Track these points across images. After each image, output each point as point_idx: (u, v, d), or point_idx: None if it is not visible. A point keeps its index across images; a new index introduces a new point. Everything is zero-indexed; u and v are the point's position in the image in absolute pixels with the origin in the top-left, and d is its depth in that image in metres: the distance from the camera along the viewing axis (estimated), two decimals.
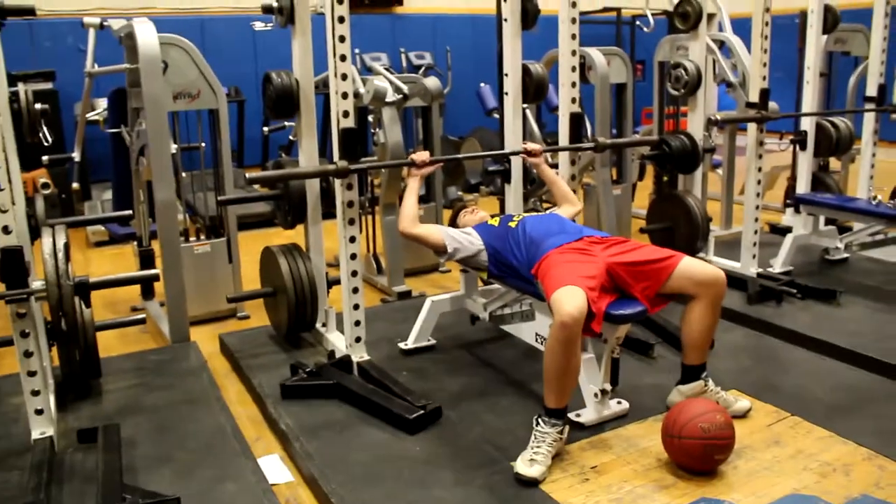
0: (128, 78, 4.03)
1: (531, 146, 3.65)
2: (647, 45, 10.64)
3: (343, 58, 3.06)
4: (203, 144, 4.50)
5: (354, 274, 3.28)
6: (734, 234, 5.44)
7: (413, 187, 3.32)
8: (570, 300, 2.53)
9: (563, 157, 3.88)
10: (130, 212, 3.41)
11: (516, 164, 3.89)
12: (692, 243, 4.59)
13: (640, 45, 10.87)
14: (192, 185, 4.71)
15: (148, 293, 4.58)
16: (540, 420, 2.68)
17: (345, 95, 3.10)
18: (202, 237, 4.46)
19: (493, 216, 3.47)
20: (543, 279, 2.79)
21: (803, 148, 4.96)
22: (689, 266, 2.82)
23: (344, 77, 3.08)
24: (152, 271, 2.89)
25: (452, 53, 8.87)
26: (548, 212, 3.40)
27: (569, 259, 2.81)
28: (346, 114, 3.12)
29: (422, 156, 3.33)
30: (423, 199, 5.24)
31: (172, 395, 3.28)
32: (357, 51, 7.52)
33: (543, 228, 3.06)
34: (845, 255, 4.89)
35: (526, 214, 3.26)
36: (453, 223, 3.64)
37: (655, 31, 5.89)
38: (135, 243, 4.52)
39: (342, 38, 3.04)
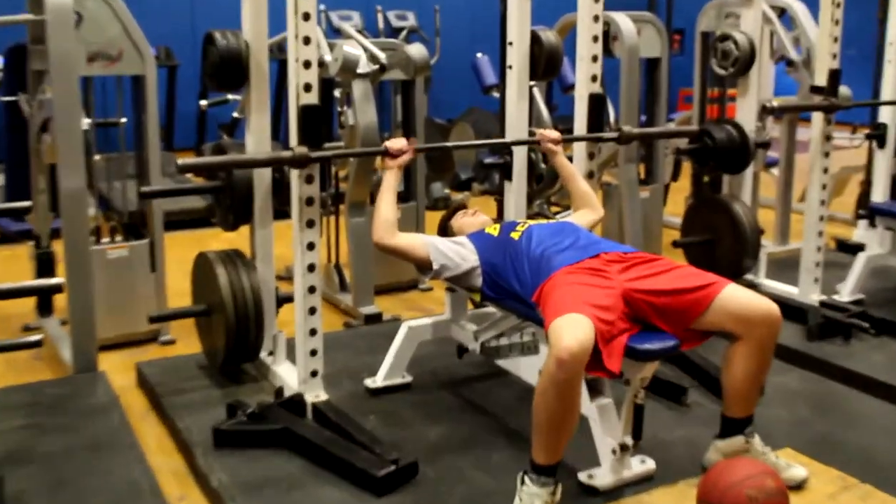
0: (29, 32, 4.02)
1: (547, 133, 3.66)
2: (688, 10, 10.69)
3: (306, 16, 3.06)
4: (124, 120, 4.49)
5: (312, 290, 3.27)
6: (792, 252, 5.48)
7: (390, 183, 3.32)
8: (571, 331, 2.54)
9: (579, 150, 3.90)
10: (27, 203, 3.38)
11: (519, 157, 3.90)
12: (738, 262, 4.61)
13: (679, 11, 10.93)
14: (108, 172, 4.69)
15: (46, 308, 4.55)
16: (526, 477, 2.69)
17: (307, 64, 3.10)
18: (118, 238, 4.44)
19: (493, 223, 3.48)
20: (544, 306, 2.79)
21: (881, 145, 5.01)
22: (732, 297, 2.82)
23: (307, 41, 3.08)
24: (53, 280, 2.89)
25: (442, 14, 8.91)
26: (559, 219, 3.41)
27: (576, 281, 2.82)
28: (307, 87, 3.11)
29: (398, 143, 3.34)
30: (401, 198, 5.25)
31: (73, 440, 3.25)
32: (323, 7, 7.54)
33: (553, 242, 3.06)
34: None
35: (532, 223, 3.26)
36: (444, 227, 3.65)
37: None
38: (31, 243, 4.50)
39: None
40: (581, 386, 2.59)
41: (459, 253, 3.28)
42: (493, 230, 3.33)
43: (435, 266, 3.26)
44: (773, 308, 2.82)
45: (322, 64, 4.34)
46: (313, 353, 3.33)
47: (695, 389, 3.63)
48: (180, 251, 5.65)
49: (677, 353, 2.95)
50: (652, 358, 2.77)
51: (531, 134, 3.84)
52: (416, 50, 4.88)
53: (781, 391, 3.70)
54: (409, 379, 3.71)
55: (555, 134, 3.68)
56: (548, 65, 4.14)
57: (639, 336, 2.76)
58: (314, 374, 3.34)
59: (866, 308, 4.46)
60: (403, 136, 5.21)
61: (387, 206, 3.29)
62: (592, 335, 2.55)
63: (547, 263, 2.96)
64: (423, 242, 3.31)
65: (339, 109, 4.76)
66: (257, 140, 3.62)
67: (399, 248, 3.28)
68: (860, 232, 5.71)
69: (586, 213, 3.57)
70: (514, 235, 3.19)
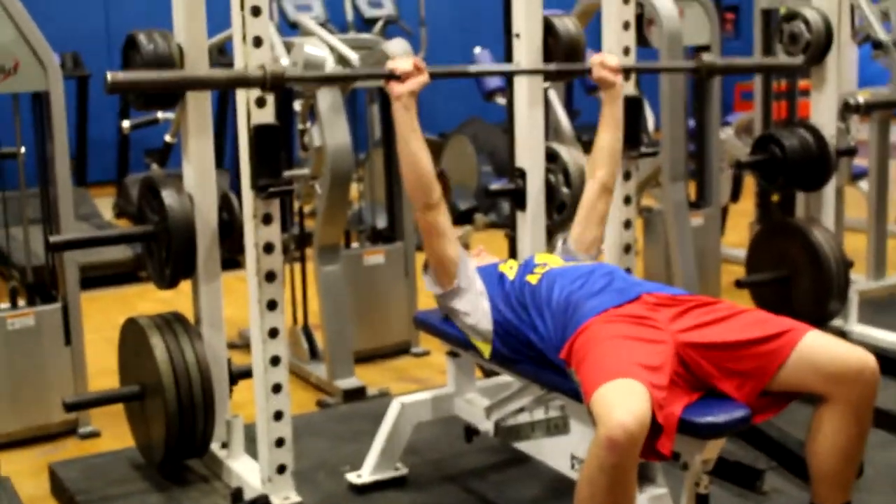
0: None
1: (606, 58, 3.62)
2: None
3: (256, 11, 3.10)
4: (23, 150, 4.52)
5: (275, 361, 3.28)
6: (889, 289, 5.50)
7: (409, 120, 3.23)
8: (624, 402, 2.54)
9: None
10: None
11: (535, 180, 3.93)
12: (821, 305, 4.63)
13: None
14: (5, 217, 4.72)
15: None
16: None
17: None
18: (21, 302, 4.45)
19: (505, 261, 3.48)
20: (580, 365, 2.80)
21: None
22: (815, 347, 2.83)
23: (258, 42, 3.12)
24: None
25: None
26: (563, 258, 3.40)
27: (619, 333, 2.82)
28: (260, 102, 3.15)
29: (405, 62, 3.24)
30: (385, 238, 5.29)
31: None
32: None
33: (580, 284, 3.08)
34: None
35: (553, 265, 3.26)
36: None
37: None
38: None
39: None
40: (636, 471, 2.59)
41: (479, 287, 3.30)
42: (509, 270, 3.32)
43: (456, 282, 3.27)
44: (869, 360, 2.81)
45: None
46: (279, 442, 3.33)
47: (773, 472, 3.62)
48: (102, 317, 5.68)
49: (749, 427, 2.96)
50: (716, 434, 2.77)
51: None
52: (397, 46, 4.93)
53: (886, 471, 3.70)
54: (404, 471, 3.71)
55: (614, 60, 3.63)
56: (566, 60, 4.19)
57: (698, 405, 2.77)
58: (282, 469, 3.34)
59: None
60: (386, 156, 5.25)
61: (421, 149, 3.22)
62: (650, 407, 2.55)
63: (575, 311, 2.96)
64: (457, 244, 3.33)
65: (300, 127, 4.80)
66: (198, 169, 3.65)
67: (441, 222, 3.26)
68: None
69: (596, 173, 3.61)
70: (532, 279, 3.19)
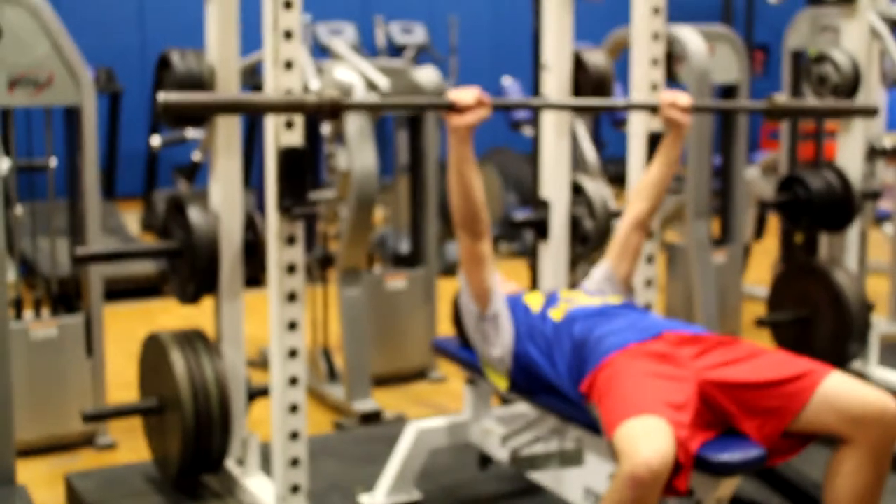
0: None
1: (677, 97, 3.46)
2: (773, 22, 10.84)
3: (289, 35, 3.12)
4: (53, 162, 4.55)
5: (294, 381, 3.29)
6: None
7: (466, 152, 3.13)
8: (650, 440, 2.53)
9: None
10: None
11: (559, 211, 3.93)
12: (841, 346, 4.61)
13: (762, 23, 11.08)
14: (34, 227, 4.74)
15: None
16: None
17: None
18: (45, 313, 4.47)
19: (528, 291, 3.47)
20: (601, 399, 2.79)
21: None
22: (837, 390, 2.82)
23: (289, 65, 3.14)
24: None
25: (460, 27, 9.03)
26: (586, 292, 3.39)
27: (643, 369, 2.81)
28: (289, 124, 3.17)
29: (468, 93, 3.14)
30: (408, 262, 5.29)
31: None
32: (308, 18, 7.65)
33: (602, 321, 3.07)
34: None
35: (577, 302, 3.24)
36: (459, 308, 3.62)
37: (786, 2, 6.01)
38: None
39: (288, 3, 3.12)
40: None
41: (507, 318, 3.26)
42: (534, 302, 3.31)
43: (492, 307, 3.22)
44: (890, 403, 2.79)
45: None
46: (295, 462, 3.33)
47: None
48: (124, 329, 5.70)
49: (764, 467, 2.94)
50: (732, 472, 2.76)
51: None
52: (427, 74, 4.95)
53: None
54: (417, 497, 3.70)
55: (685, 99, 3.47)
56: (594, 94, 4.20)
57: (715, 443, 2.75)
58: (296, 489, 3.34)
59: None
60: (412, 182, 5.26)
61: (475, 180, 3.14)
62: (674, 446, 2.54)
63: (597, 346, 2.96)
64: (496, 282, 3.27)
65: (327, 151, 4.82)
66: (225, 188, 3.66)
67: (485, 251, 3.21)
68: None
69: (636, 206, 3.49)
70: (555, 315, 3.18)
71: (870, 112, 4.06)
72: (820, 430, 2.82)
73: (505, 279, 3.66)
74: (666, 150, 3.51)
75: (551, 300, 3.28)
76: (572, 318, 3.12)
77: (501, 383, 3.34)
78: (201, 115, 3.60)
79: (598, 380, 2.85)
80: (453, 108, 3.11)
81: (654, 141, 3.80)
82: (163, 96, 2.85)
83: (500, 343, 3.24)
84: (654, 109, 3.54)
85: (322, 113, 3.01)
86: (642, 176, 3.60)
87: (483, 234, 3.19)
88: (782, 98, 3.75)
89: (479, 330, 3.28)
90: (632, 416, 2.59)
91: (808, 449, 2.91)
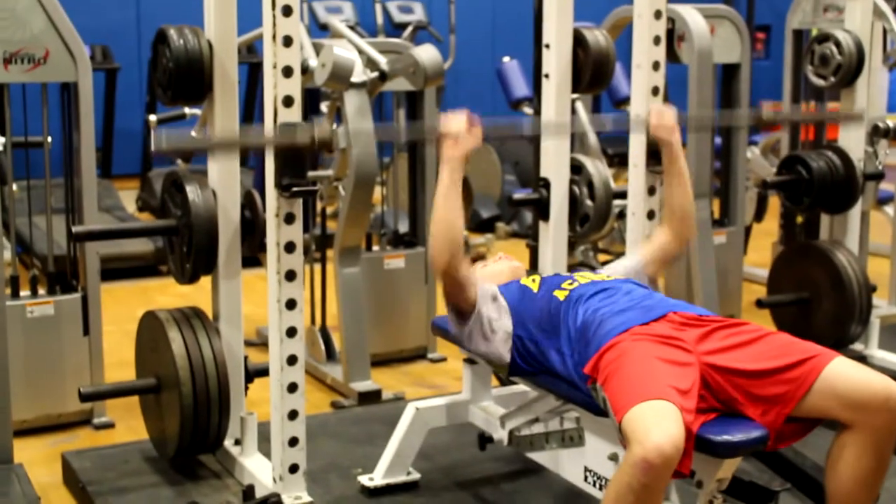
0: None
1: (665, 112, 3.47)
2: (775, 2, 10.80)
3: (287, 10, 3.11)
4: (49, 139, 4.54)
5: (292, 361, 3.29)
6: None
7: (452, 183, 3.10)
8: (662, 425, 2.52)
9: (635, 183, 3.93)
10: None
11: (559, 191, 3.93)
12: (842, 328, 4.62)
13: (764, 3, 11.05)
14: (29, 206, 4.74)
15: None
16: None
17: (288, 72, 3.14)
18: (41, 291, 4.47)
19: (528, 273, 3.46)
20: (607, 381, 2.77)
21: None
22: (840, 374, 2.80)
23: (288, 42, 3.13)
24: None
25: (459, 6, 8.99)
26: (607, 274, 3.37)
27: (650, 352, 2.80)
28: (288, 101, 3.15)
29: (457, 121, 3.12)
30: (406, 242, 5.29)
31: None
32: None
33: (605, 302, 3.06)
34: None
35: (581, 279, 3.23)
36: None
37: None
38: None
39: None
40: (663, 495, 2.58)
41: (498, 313, 3.24)
42: (532, 283, 3.29)
43: (468, 325, 3.18)
44: (893, 386, 2.80)
45: (306, 70, 4.39)
46: (293, 441, 3.33)
47: (787, 493, 3.61)
48: (121, 308, 5.71)
49: (765, 449, 2.95)
50: (733, 453, 2.76)
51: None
52: (426, 53, 4.93)
53: None
54: (416, 476, 3.70)
55: (671, 117, 3.47)
56: (595, 73, 4.19)
57: (715, 423, 2.75)
58: (294, 469, 3.34)
59: None
60: (409, 160, 5.26)
61: (457, 217, 3.09)
62: (683, 431, 2.54)
63: (600, 327, 2.94)
64: (476, 284, 3.21)
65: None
66: (224, 166, 3.66)
67: (463, 281, 3.13)
68: None
69: (668, 236, 3.45)
70: (559, 294, 3.16)
71: (855, 118, 4.06)
72: (823, 415, 2.82)
73: (506, 257, 3.65)
74: (669, 169, 3.49)
75: (554, 279, 3.27)
76: (577, 296, 3.10)
77: (501, 370, 3.34)
78: (183, 90, 3.59)
79: (602, 361, 2.83)
80: (446, 136, 3.09)
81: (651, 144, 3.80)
82: (156, 141, 2.83)
83: (500, 330, 3.21)
84: (643, 128, 3.55)
85: (315, 150, 3.03)
86: (665, 200, 3.52)
87: (459, 264, 3.12)
88: (768, 112, 3.76)
89: (471, 336, 3.24)
90: (641, 400, 2.58)
91: (807, 435, 2.92)
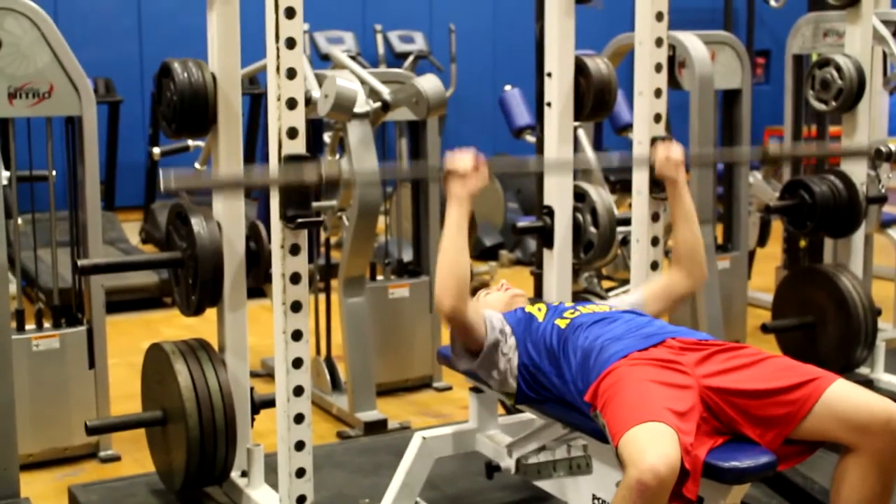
0: None
1: (672, 149, 3.45)
2: (775, 27, 10.85)
3: (291, 43, 3.13)
4: (53, 173, 4.56)
5: (299, 392, 3.29)
6: None
7: (459, 221, 3.09)
8: (656, 447, 2.53)
9: (639, 209, 3.93)
10: None
11: (563, 218, 3.93)
12: (848, 352, 4.61)
13: (764, 29, 11.09)
14: (34, 239, 4.75)
15: None
16: None
17: (292, 104, 3.16)
18: (46, 325, 4.47)
19: (533, 302, 3.46)
20: (606, 407, 2.78)
21: None
22: (842, 397, 2.80)
23: (291, 74, 3.14)
24: None
25: (460, 35, 9.04)
26: (613, 296, 3.39)
27: (647, 376, 2.81)
28: (292, 133, 3.17)
29: (464, 158, 3.11)
30: (410, 272, 5.29)
31: None
32: (306, 27, 7.67)
33: (605, 330, 3.06)
34: None
35: (583, 310, 3.24)
36: None
37: (788, 7, 6.02)
38: None
39: (290, 11, 3.12)
40: None
41: (507, 341, 3.21)
42: (538, 312, 3.30)
43: (487, 339, 3.15)
44: (894, 410, 2.78)
45: (309, 101, 4.40)
46: (300, 473, 3.33)
47: None
48: (127, 340, 5.70)
49: (773, 474, 2.94)
50: (741, 479, 2.76)
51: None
52: (429, 82, 4.94)
53: None
54: None
55: (677, 152, 3.46)
56: (597, 101, 4.20)
57: (723, 449, 2.75)
58: (301, 500, 3.34)
59: None
60: (412, 189, 5.26)
61: (463, 256, 3.07)
62: (679, 452, 2.54)
63: (600, 355, 2.95)
64: (483, 316, 3.20)
65: (328, 158, 4.82)
66: (228, 198, 3.67)
67: (470, 324, 3.12)
68: None
69: (678, 277, 3.45)
70: (561, 323, 3.17)
71: (863, 154, 4.07)
72: (824, 438, 2.82)
73: (508, 286, 3.66)
74: (674, 206, 3.48)
75: (557, 310, 3.27)
76: (577, 324, 3.11)
77: (509, 399, 3.34)
78: (187, 122, 3.61)
79: (601, 388, 2.84)
80: (453, 174, 3.08)
81: (654, 179, 3.80)
82: (164, 181, 2.82)
83: (506, 363, 3.21)
84: (649, 165, 3.54)
85: (322, 185, 3.02)
86: (674, 239, 3.51)
87: (467, 304, 3.09)
88: (775, 148, 3.75)
89: (480, 366, 3.22)
90: (637, 423, 2.59)
91: (815, 454, 2.91)
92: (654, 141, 3.77)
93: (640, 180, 3.90)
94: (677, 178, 3.44)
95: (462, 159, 3.09)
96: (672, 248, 3.56)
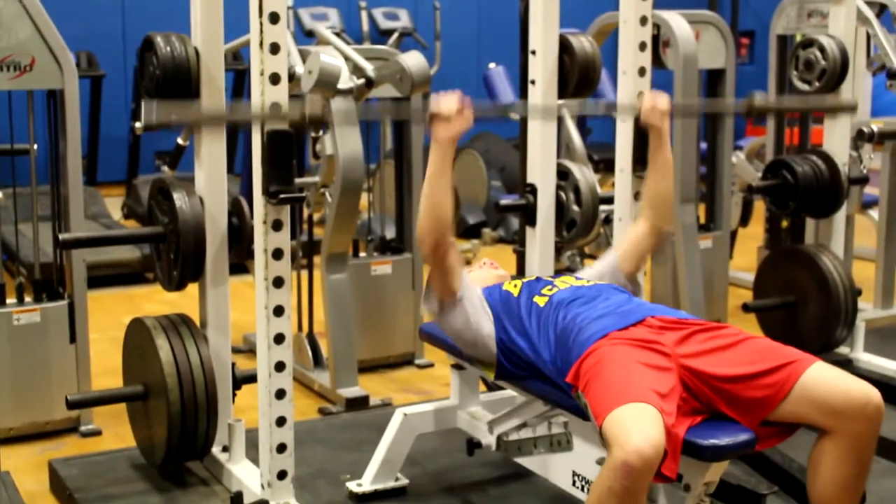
0: None
1: (658, 99, 3.43)
2: (759, 8, 10.85)
3: (274, 18, 3.12)
4: (35, 147, 4.54)
5: (280, 367, 3.29)
6: None
7: (443, 164, 3.07)
8: (641, 427, 2.53)
9: (622, 186, 3.94)
10: None
11: (546, 196, 3.94)
12: (827, 332, 4.63)
13: (748, 9, 11.09)
14: (15, 213, 4.73)
15: None
16: None
17: (275, 79, 3.15)
18: (27, 299, 4.46)
19: (512, 279, 3.47)
20: (588, 387, 2.79)
21: None
22: (818, 381, 2.81)
23: (275, 49, 3.13)
24: None
25: (444, 12, 9.02)
26: (587, 279, 3.38)
27: (629, 357, 2.82)
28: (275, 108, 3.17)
29: (450, 101, 3.05)
30: (393, 248, 5.29)
31: None
32: (290, 3, 7.64)
33: (584, 308, 3.07)
34: None
35: (560, 285, 3.24)
36: None
37: None
38: None
39: None
40: (646, 497, 2.58)
41: (481, 309, 3.24)
42: (513, 288, 3.30)
43: (459, 293, 3.17)
44: (873, 394, 2.79)
45: (292, 77, 4.39)
46: (281, 448, 3.33)
47: (775, 496, 3.62)
48: (108, 315, 5.70)
49: (752, 452, 2.96)
50: (720, 457, 2.77)
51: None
52: (413, 59, 4.93)
53: (889, 499, 3.69)
54: (404, 482, 3.71)
55: (664, 102, 3.43)
56: (581, 79, 4.20)
57: (702, 427, 2.77)
58: (282, 475, 3.34)
59: None
60: (396, 167, 5.26)
61: (446, 198, 3.08)
62: (664, 433, 2.55)
63: (579, 334, 2.96)
64: (461, 273, 3.21)
65: (312, 135, 4.81)
66: (211, 174, 3.66)
67: (449, 269, 3.14)
68: None
69: (644, 231, 3.46)
70: (539, 301, 3.17)
71: (849, 108, 4.08)
72: (801, 421, 2.83)
73: (492, 265, 3.66)
74: (654, 155, 3.48)
75: (534, 285, 3.28)
76: (556, 302, 3.12)
77: (489, 373, 3.35)
78: (185, 96, 3.58)
79: (582, 367, 2.85)
80: (435, 117, 3.05)
81: (640, 128, 3.80)
82: (146, 112, 2.81)
83: (477, 331, 3.22)
84: (634, 113, 3.53)
85: (304, 126, 3.00)
86: (645, 188, 3.53)
87: (449, 246, 3.12)
88: (760, 97, 3.72)
89: (449, 324, 3.25)
90: (621, 404, 2.60)
91: (795, 433, 2.93)
92: (640, 93, 3.77)
93: (622, 158, 3.91)
94: (662, 126, 3.42)
95: (447, 102, 3.05)
96: (643, 197, 3.57)
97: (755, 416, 2.81)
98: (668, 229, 3.53)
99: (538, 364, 3.10)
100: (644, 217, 3.51)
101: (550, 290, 3.21)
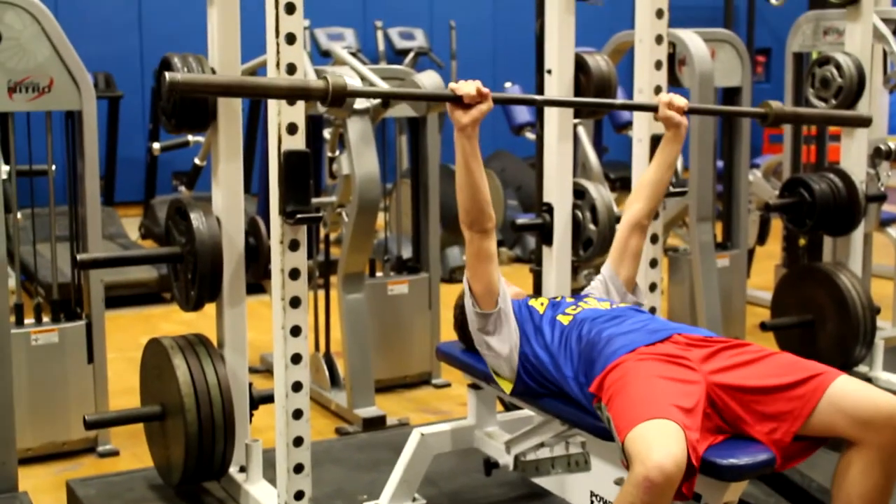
0: None
1: (676, 99, 3.48)
2: (775, 25, 10.83)
3: (291, 39, 3.12)
4: (53, 167, 4.56)
5: (297, 387, 3.28)
6: None
7: (471, 149, 3.12)
8: (663, 444, 2.52)
9: None
10: None
11: (562, 215, 3.93)
12: (847, 350, 4.61)
13: (764, 27, 11.09)
14: (34, 234, 4.75)
15: None
16: None
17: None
18: (45, 319, 4.47)
19: (534, 296, 3.47)
20: (611, 401, 2.78)
21: None
22: (846, 392, 2.81)
23: (291, 69, 3.14)
24: None
25: (460, 31, 9.04)
26: (596, 297, 3.37)
27: (654, 371, 2.81)
28: (292, 129, 3.16)
29: (470, 85, 3.10)
30: (409, 268, 5.29)
31: None
32: (307, 24, 7.66)
33: (611, 325, 3.07)
34: None
35: (584, 306, 3.25)
36: (462, 312, 3.60)
37: (788, 5, 6.02)
38: None
39: (290, 7, 3.11)
40: None
41: (512, 316, 3.26)
42: (539, 305, 3.32)
43: (499, 304, 3.20)
44: None
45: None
46: (298, 468, 3.32)
47: None
48: (125, 335, 5.71)
49: (772, 472, 2.94)
50: (739, 476, 2.75)
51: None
52: (429, 78, 4.95)
53: None
54: (422, 502, 3.67)
55: (682, 100, 3.48)
56: (597, 98, 4.20)
57: (721, 447, 2.75)
58: (300, 496, 3.33)
59: None
60: (412, 186, 5.26)
61: (481, 180, 3.15)
62: (686, 450, 2.54)
63: (605, 347, 2.96)
64: (501, 280, 3.26)
65: (328, 155, 4.83)
66: (227, 193, 3.66)
67: (491, 247, 3.21)
68: None
69: (631, 225, 3.49)
70: (563, 319, 3.18)
71: (864, 122, 4.06)
72: (829, 433, 2.82)
73: (508, 283, 3.66)
74: (664, 151, 3.53)
75: (559, 304, 3.29)
76: (581, 320, 3.12)
77: (506, 386, 3.34)
78: (188, 117, 3.60)
79: (607, 380, 2.85)
80: (457, 99, 3.09)
81: (656, 144, 3.80)
82: (170, 75, 2.82)
83: (507, 341, 3.23)
84: (652, 110, 3.54)
85: (326, 99, 2.99)
86: (640, 177, 3.60)
87: (490, 232, 3.20)
88: (777, 103, 3.71)
89: (484, 330, 3.26)
90: (644, 420, 2.59)
91: (814, 452, 2.91)
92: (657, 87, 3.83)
93: (638, 177, 3.89)
94: (681, 122, 3.46)
95: (466, 86, 3.10)
96: (638, 184, 3.60)
97: (787, 430, 2.79)
98: (648, 223, 3.55)
99: (559, 380, 3.10)
100: (629, 211, 3.53)
101: (575, 309, 3.23)
